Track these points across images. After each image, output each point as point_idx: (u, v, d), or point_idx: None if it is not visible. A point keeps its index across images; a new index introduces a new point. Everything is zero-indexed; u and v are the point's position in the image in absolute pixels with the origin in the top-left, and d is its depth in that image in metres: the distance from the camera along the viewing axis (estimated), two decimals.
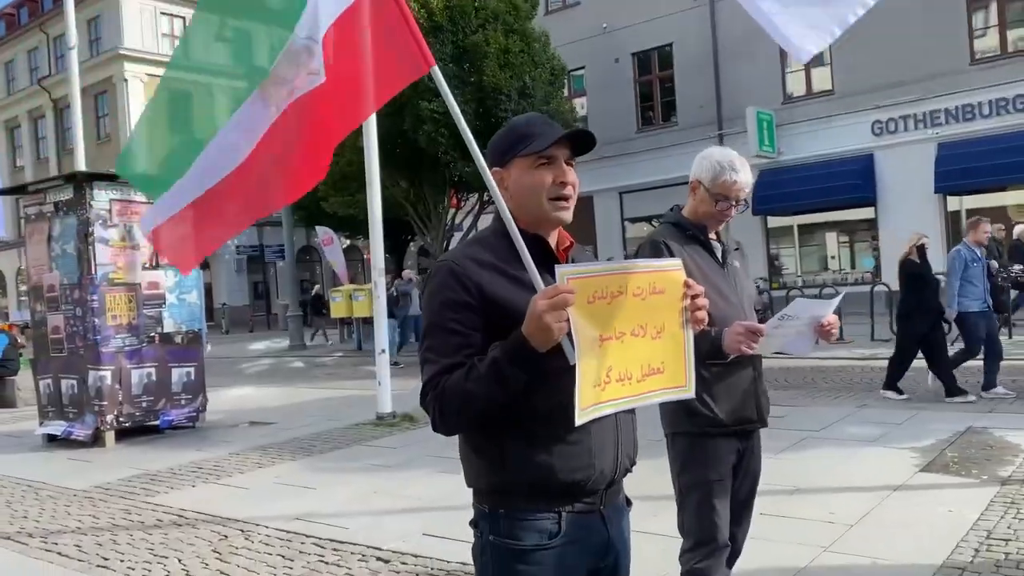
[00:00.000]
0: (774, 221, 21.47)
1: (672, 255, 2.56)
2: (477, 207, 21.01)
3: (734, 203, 2.77)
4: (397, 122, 17.10)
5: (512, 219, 1.85)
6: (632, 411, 1.91)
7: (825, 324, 2.62)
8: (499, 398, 1.70)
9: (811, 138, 19.98)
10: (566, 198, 1.89)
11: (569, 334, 1.67)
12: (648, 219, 23.67)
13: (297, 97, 2.18)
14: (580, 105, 24.18)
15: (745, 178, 2.76)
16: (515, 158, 1.89)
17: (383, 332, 9.59)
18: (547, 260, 1.85)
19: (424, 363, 1.81)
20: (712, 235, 2.85)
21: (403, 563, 4.44)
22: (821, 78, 20.32)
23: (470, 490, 1.92)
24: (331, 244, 24.01)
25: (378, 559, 4.53)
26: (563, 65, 20.02)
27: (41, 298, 9.38)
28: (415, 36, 2.00)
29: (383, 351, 9.33)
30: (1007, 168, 16.96)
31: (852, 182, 19.21)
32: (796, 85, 20.83)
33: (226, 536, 5.19)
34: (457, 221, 22.06)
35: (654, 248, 2.70)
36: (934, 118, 18.36)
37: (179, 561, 4.76)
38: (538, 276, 1.77)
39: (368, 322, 16.27)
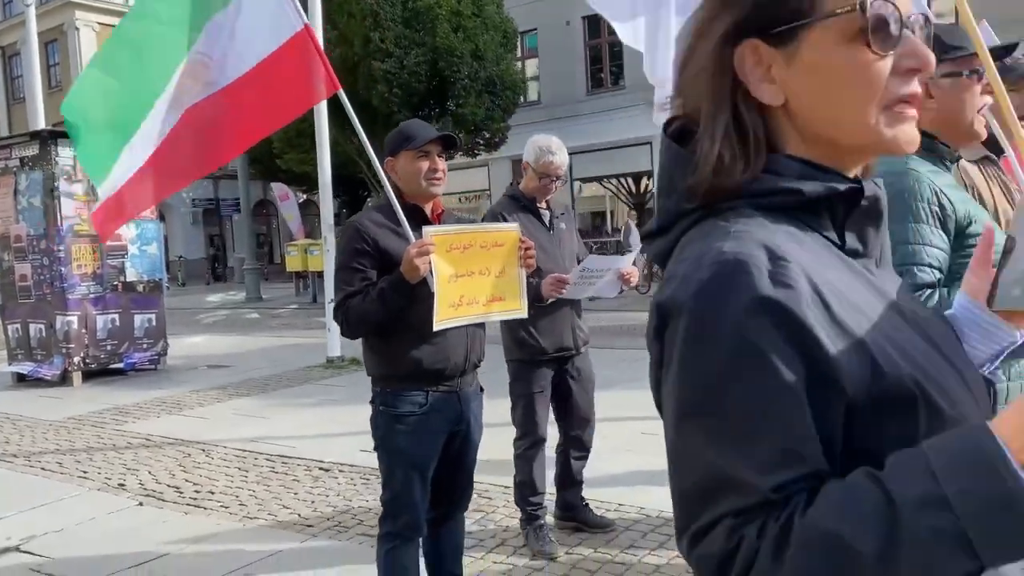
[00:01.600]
0: None
1: (507, 221, 3.44)
2: None
3: (554, 180, 3.65)
4: (350, 81, 17.62)
5: (396, 194, 2.69)
6: (481, 325, 2.78)
7: (624, 273, 3.53)
8: (385, 314, 2.55)
9: None
10: (438, 180, 2.73)
11: (432, 272, 2.53)
12: (599, 179, 24.60)
13: (195, 102, 2.99)
14: (533, 66, 24.83)
15: (562, 159, 3.65)
16: (402, 151, 2.72)
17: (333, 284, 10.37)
18: (423, 222, 2.69)
19: (336, 291, 2.66)
20: (542, 204, 3.73)
21: (340, 471, 5.32)
22: None
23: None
24: (287, 200, 24.51)
25: (320, 468, 5.42)
26: (515, 27, 20.63)
27: (8, 248, 9.97)
28: (325, 65, 2.82)
29: (331, 300, 10.12)
30: None
31: None
32: None
33: (189, 454, 6.02)
34: None
35: (493, 216, 3.63)
36: None
37: (149, 472, 5.58)
38: (411, 233, 2.62)
39: (323, 276, 17.00)
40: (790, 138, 0.87)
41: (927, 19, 0.86)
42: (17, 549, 4.27)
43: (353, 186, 23.38)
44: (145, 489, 5.23)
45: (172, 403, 8.08)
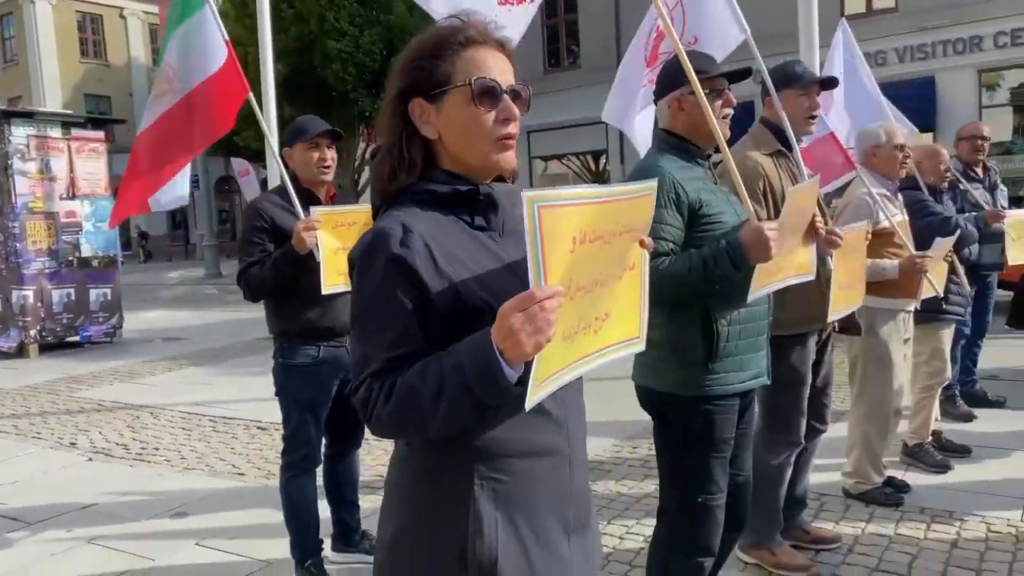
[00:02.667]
0: None
1: None
2: None
3: None
4: (305, 60, 17.88)
5: (290, 179, 3.17)
6: None
7: None
8: (279, 280, 3.04)
9: None
10: (327, 168, 3.20)
11: (318, 246, 3.02)
12: (559, 156, 25.08)
13: (169, 106, 3.47)
14: None
15: None
16: (296, 143, 3.19)
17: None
18: (315, 204, 3.17)
19: (240, 261, 3.14)
20: None
21: (276, 429, 5.76)
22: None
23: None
24: (247, 175, 24.63)
25: (258, 427, 5.91)
26: None
27: None
28: (238, 72, 3.30)
29: None
30: None
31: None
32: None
33: (138, 416, 6.48)
34: (368, 156, 23.03)
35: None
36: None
37: (99, 433, 6.04)
38: (300, 212, 3.10)
39: None
40: (444, 159, 1.41)
41: (516, 90, 1.39)
42: None
43: None
44: (95, 447, 5.68)
45: (125, 372, 8.50)
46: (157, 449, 5.55)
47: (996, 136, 10.71)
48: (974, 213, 4.53)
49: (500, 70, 1.36)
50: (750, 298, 2.19)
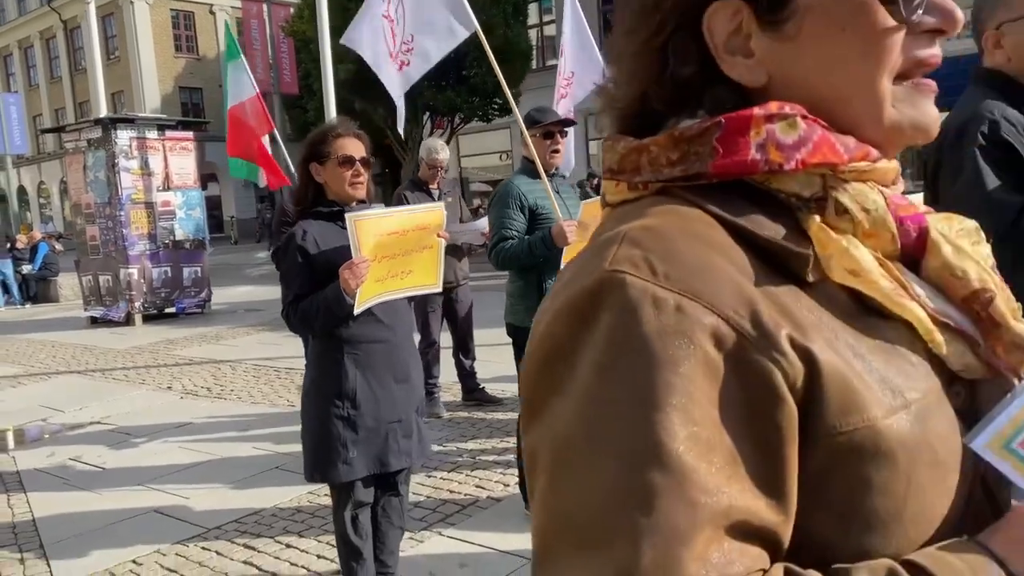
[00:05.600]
0: None
1: (409, 203, 5.26)
2: (448, 132, 23.49)
3: (439, 169, 5.48)
4: None
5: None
6: None
7: (483, 232, 5.32)
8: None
9: None
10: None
11: None
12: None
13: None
14: (547, 36, 26.28)
15: (444, 156, 5.47)
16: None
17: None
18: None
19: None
20: (433, 185, 5.56)
21: None
22: None
23: None
24: None
25: None
26: None
27: (80, 214, 12.17)
28: (266, 113, 4.73)
29: None
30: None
31: None
32: None
33: (219, 368, 8.11)
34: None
35: (398, 198, 5.45)
36: None
37: (189, 380, 7.67)
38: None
39: None
40: (328, 193, 2.76)
41: (364, 159, 2.73)
42: (99, 422, 6.36)
43: (386, 158, 25.31)
44: (186, 390, 7.31)
45: (212, 336, 10.21)
46: (233, 390, 7.13)
47: None
48: None
49: (354, 148, 2.68)
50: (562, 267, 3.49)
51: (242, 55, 5.06)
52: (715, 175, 0.65)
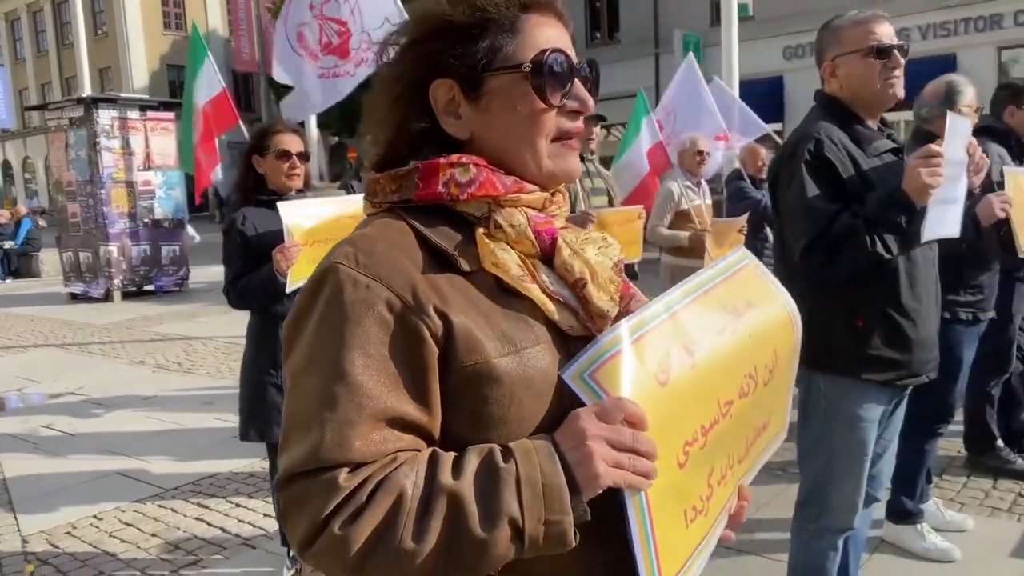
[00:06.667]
0: None
1: (355, 191, 5.57)
2: None
3: None
4: None
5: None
6: None
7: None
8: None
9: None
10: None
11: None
12: (607, 127, 26.32)
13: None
14: None
15: None
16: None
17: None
18: None
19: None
20: None
21: None
22: (742, 6, 22.65)
23: None
24: None
25: None
26: None
27: (61, 191, 12.38)
28: (232, 109, 5.02)
29: None
30: None
31: (763, 101, 21.82)
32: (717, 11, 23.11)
33: (192, 344, 8.40)
34: None
35: (345, 188, 5.75)
36: None
37: (162, 355, 7.96)
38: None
39: None
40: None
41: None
42: (72, 393, 6.65)
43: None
44: (158, 364, 7.60)
45: (187, 314, 10.49)
46: (203, 366, 7.42)
47: None
48: None
49: (291, 143, 2.99)
50: None
51: (209, 53, 5.33)
52: (418, 200, 0.98)
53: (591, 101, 1.03)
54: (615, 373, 0.91)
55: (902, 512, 3.31)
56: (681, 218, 5.11)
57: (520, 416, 0.92)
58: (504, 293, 0.96)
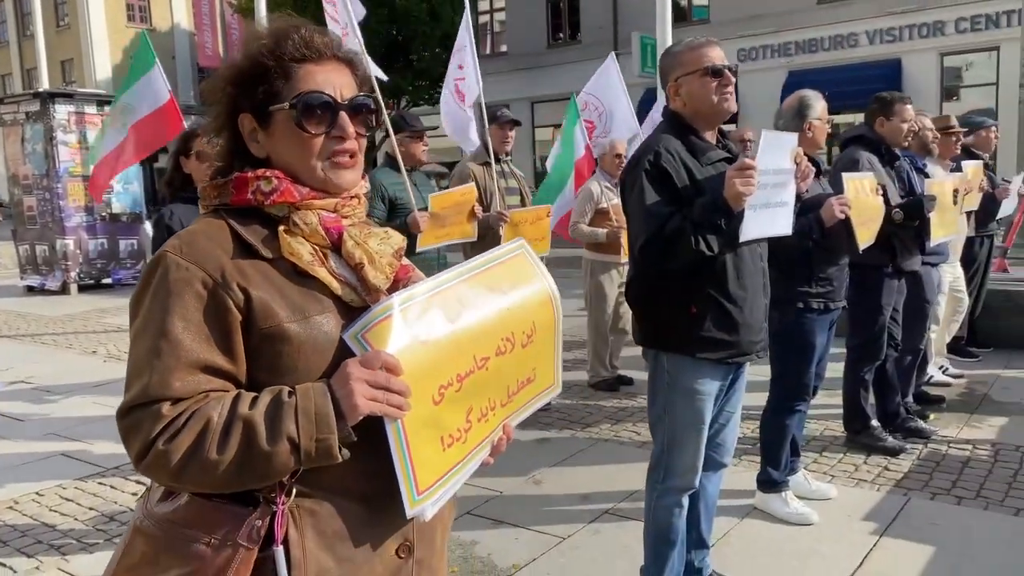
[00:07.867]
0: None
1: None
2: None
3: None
4: None
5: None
6: None
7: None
8: None
9: None
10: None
11: None
12: (557, 126, 26.70)
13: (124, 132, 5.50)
14: (499, 21, 26.80)
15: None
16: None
17: None
18: None
19: None
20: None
21: None
22: (699, 9, 23.16)
23: None
24: None
25: None
26: None
27: (18, 184, 12.48)
28: (177, 112, 5.27)
29: None
30: (842, 95, 20.10)
31: None
32: (678, 13, 23.61)
33: None
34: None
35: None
36: (785, 49, 21.40)
37: (115, 346, 8.19)
38: None
39: None
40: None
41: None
42: (23, 381, 6.87)
43: None
44: (110, 354, 7.83)
45: None
46: None
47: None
48: None
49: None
50: (419, 249, 4.15)
51: (157, 61, 5.53)
52: (234, 204, 1.32)
53: (350, 129, 1.32)
54: (383, 333, 1.24)
55: (768, 481, 3.70)
56: (600, 216, 5.48)
57: (307, 367, 1.25)
58: (299, 275, 1.29)
